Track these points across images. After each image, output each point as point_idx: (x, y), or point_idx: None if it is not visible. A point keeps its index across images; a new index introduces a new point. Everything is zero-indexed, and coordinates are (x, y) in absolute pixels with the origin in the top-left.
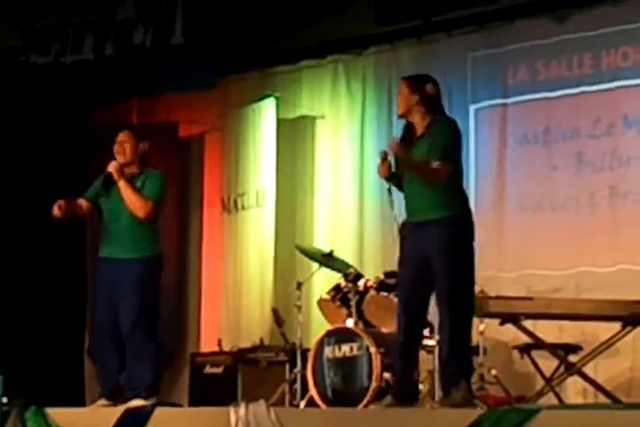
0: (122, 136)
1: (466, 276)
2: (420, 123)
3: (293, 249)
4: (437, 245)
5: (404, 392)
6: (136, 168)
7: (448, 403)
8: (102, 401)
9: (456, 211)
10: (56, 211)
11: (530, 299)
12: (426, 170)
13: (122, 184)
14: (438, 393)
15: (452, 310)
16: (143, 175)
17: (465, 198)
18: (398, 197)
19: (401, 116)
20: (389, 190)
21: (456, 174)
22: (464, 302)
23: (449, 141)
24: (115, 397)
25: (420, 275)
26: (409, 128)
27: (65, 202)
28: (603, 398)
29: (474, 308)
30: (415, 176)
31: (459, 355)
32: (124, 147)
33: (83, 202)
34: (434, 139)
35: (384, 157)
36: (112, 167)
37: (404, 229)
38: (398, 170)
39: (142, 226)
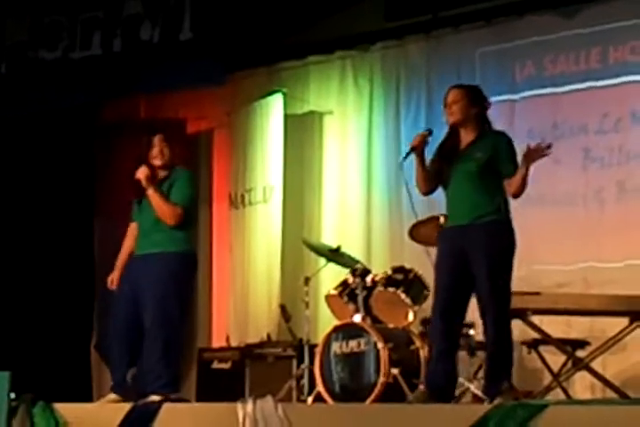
0: (159, 140)
1: (508, 278)
2: (468, 135)
3: (301, 245)
4: (483, 248)
5: (442, 392)
6: (167, 169)
7: None
8: (111, 395)
9: (500, 215)
10: (112, 285)
11: (537, 294)
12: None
13: (150, 193)
14: None
15: (497, 314)
16: (171, 177)
17: (507, 203)
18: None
19: (454, 125)
20: (405, 158)
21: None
22: (507, 303)
23: (514, 155)
24: (121, 391)
25: (460, 279)
26: (452, 136)
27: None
28: (611, 394)
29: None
30: (519, 181)
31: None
32: (163, 151)
33: (133, 225)
34: (496, 153)
35: (428, 133)
36: (141, 174)
37: (442, 232)
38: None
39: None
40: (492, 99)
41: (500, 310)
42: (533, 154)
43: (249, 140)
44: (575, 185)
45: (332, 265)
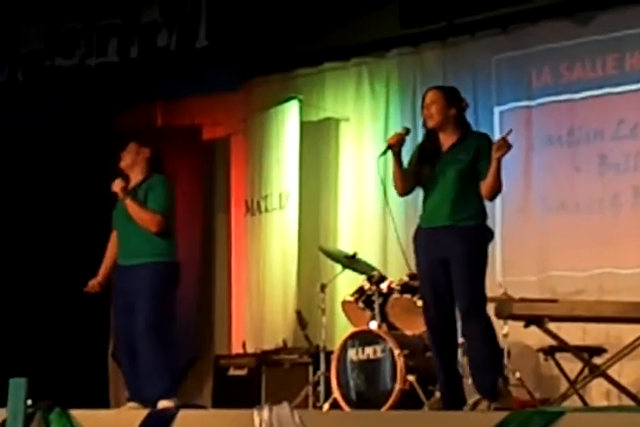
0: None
1: (482, 283)
2: (448, 137)
3: (317, 251)
4: (459, 253)
5: (452, 399)
6: (140, 174)
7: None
8: (131, 404)
9: (479, 220)
10: (91, 289)
11: (554, 301)
12: (495, 175)
13: (128, 203)
14: None
15: (478, 318)
16: (146, 184)
17: (485, 209)
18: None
19: (433, 128)
20: (381, 155)
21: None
22: (484, 309)
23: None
24: (140, 399)
25: (441, 282)
26: (431, 138)
27: (99, 284)
28: (627, 401)
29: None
30: (491, 180)
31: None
32: (124, 154)
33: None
34: (479, 153)
35: (405, 133)
36: (116, 186)
37: (419, 233)
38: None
39: (151, 233)
40: (509, 105)
41: (478, 311)
42: (501, 148)
43: (265, 147)
44: (591, 191)
45: (348, 272)
